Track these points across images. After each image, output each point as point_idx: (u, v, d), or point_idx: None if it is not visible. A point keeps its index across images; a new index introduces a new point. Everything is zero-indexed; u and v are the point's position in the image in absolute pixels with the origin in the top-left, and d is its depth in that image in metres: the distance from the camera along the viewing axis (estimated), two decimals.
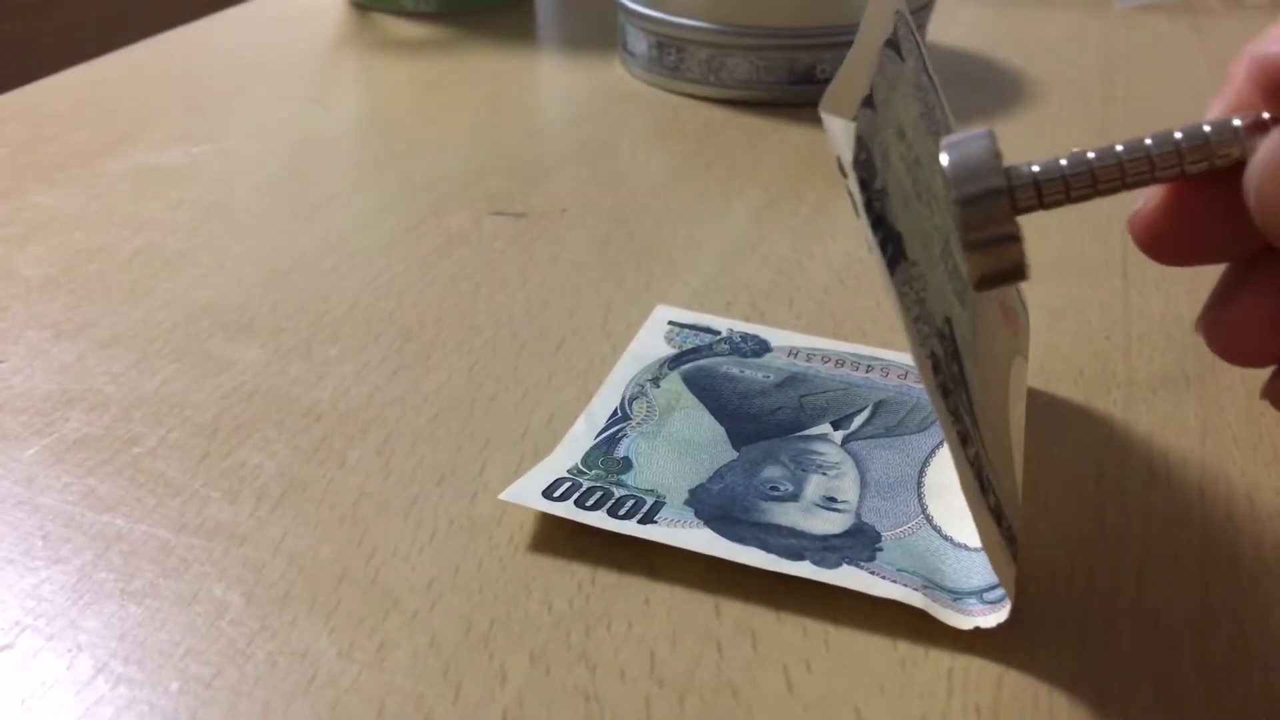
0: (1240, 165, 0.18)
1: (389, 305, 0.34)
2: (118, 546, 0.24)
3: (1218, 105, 0.20)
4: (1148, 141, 0.19)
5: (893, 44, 0.23)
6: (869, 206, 0.19)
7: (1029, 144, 0.45)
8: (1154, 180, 0.19)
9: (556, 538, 0.25)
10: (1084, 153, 0.19)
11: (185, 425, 0.28)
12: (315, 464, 0.27)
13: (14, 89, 0.51)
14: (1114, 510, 0.26)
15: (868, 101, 0.20)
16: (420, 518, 0.25)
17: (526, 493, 0.25)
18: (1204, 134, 0.18)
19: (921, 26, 0.52)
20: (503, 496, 0.25)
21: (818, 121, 0.47)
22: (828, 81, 0.48)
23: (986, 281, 0.20)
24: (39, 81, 0.52)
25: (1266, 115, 0.18)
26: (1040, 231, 0.38)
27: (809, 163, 0.44)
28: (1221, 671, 0.22)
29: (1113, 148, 0.19)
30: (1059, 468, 0.27)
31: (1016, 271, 0.19)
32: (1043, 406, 0.29)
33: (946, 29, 0.59)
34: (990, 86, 0.51)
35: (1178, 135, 0.19)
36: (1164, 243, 0.20)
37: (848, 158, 0.18)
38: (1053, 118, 0.48)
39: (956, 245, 0.24)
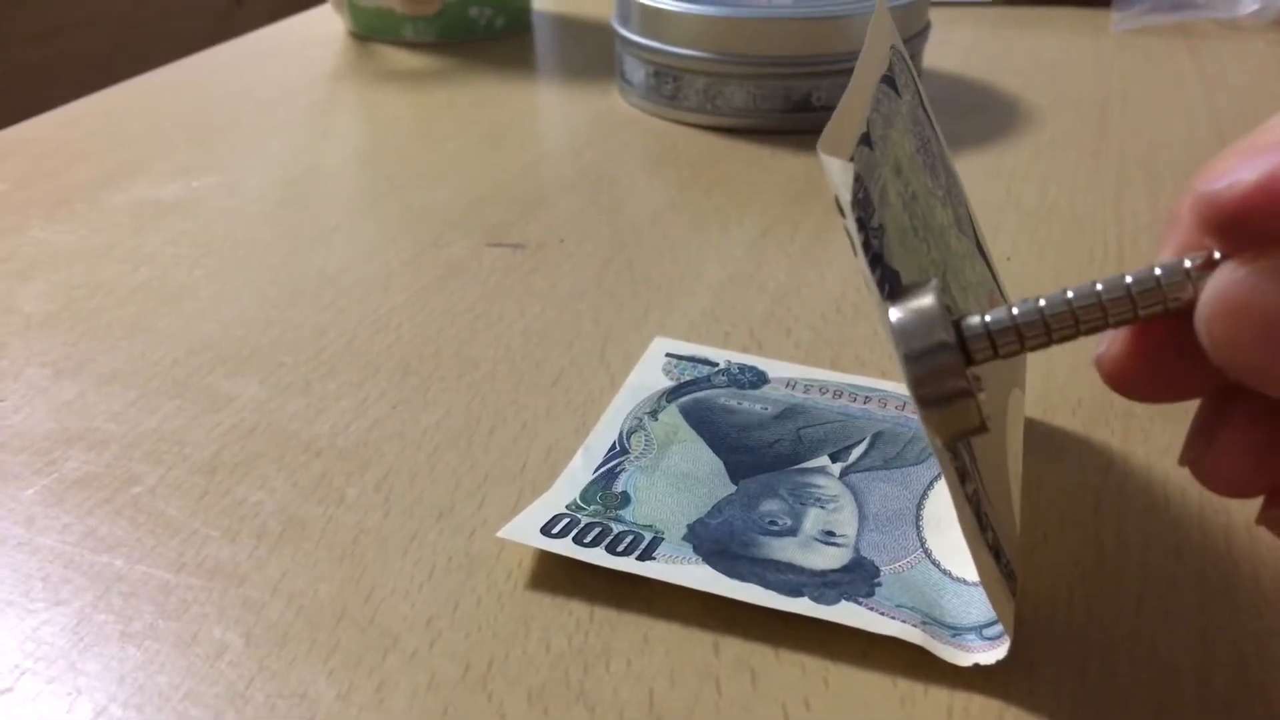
0: (1193, 306, 0.18)
1: (388, 338, 0.34)
2: (117, 588, 0.25)
3: (1169, 244, 0.19)
4: (1099, 287, 0.18)
5: (889, 80, 0.23)
6: (866, 245, 0.19)
7: (1028, 167, 0.45)
8: (1109, 325, 0.19)
9: (555, 574, 0.25)
10: (1035, 301, 0.19)
11: (185, 463, 0.28)
12: (314, 501, 0.27)
13: (11, 123, 0.51)
14: (1112, 540, 0.26)
15: (864, 139, 0.20)
16: (419, 555, 0.25)
17: (525, 530, 0.25)
18: (1155, 277, 0.18)
19: (918, 51, 0.52)
20: (501, 534, 0.25)
21: (814, 148, 0.47)
22: (824, 109, 0.48)
23: (946, 437, 0.19)
24: (38, 116, 0.52)
25: (1217, 255, 0.18)
26: (1036, 257, 0.38)
27: (805, 190, 0.44)
28: (1222, 702, 0.22)
29: (1064, 294, 0.19)
30: (1057, 498, 0.27)
31: (973, 426, 0.19)
32: (1040, 436, 0.29)
33: (942, 52, 0.59)
34: (987, 109, 0.52)
35: (1128, 280, 0.18)
36: (1132, 384, 0.20)
37: (846, 198, 0.18)
38: (1050, 140, 0.48)
39: (954, 278, 0.24)
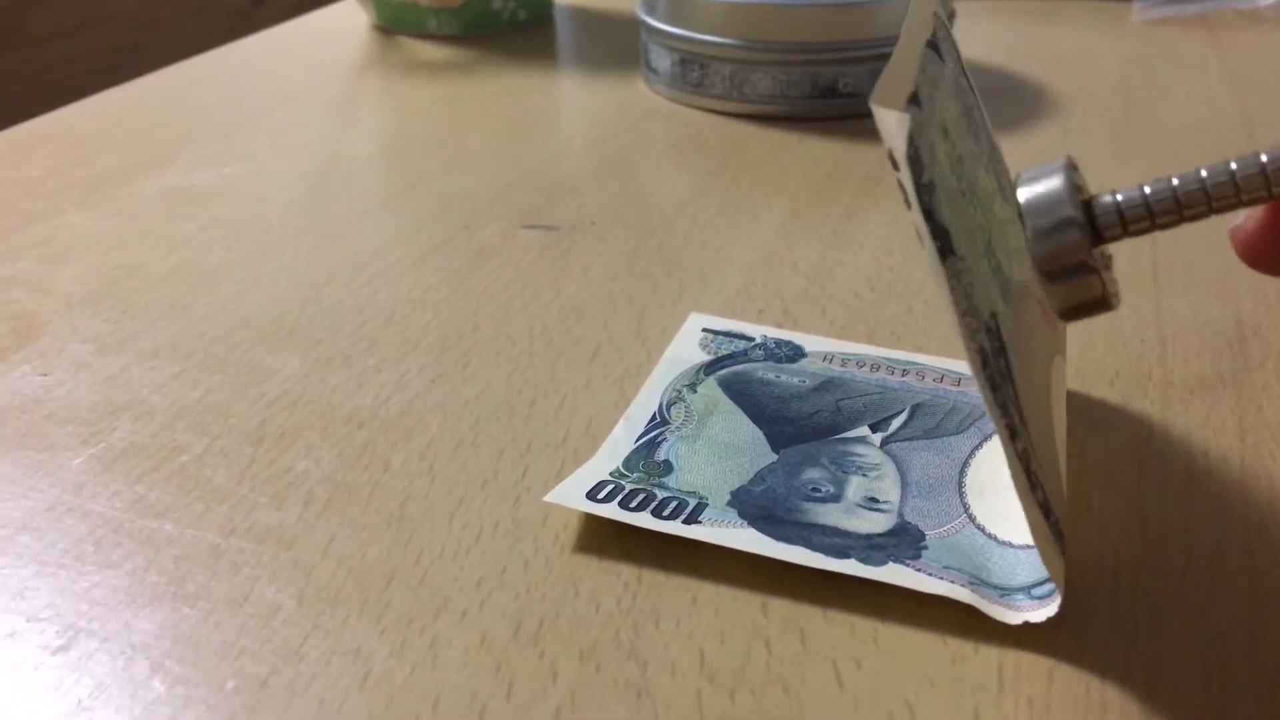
0: None
1: (425, 316, 0.34)
2: (168, 551, 0.25)
3: None
4: (1232, 166, 0.18)
5: (933, 45, 0.23)
6: (920, 199, 0.19)
7: (1054, 150, 0.45)
8: (1240, 204, 0.19)
9: (601, 539, 0.25)
10: (1168, 179, 0.19)
11: (230, 433, 0.29)
12: (360, 469, 0.27)
13: (34, 117, 0.52)
14: (1156, 507, 0.26)
15: (913, 99, 0.20)
16: (466, 520, 0.26)
17: (571, 495, 0.25)
18: None
19: None
20: (548, 499, 0.25)
21: (842, 134, 0.48)
22: (850, 95, 0.49)
23: (1069, 313, 0.19)
24: (69, 105, 0.53)
25: None
26: None
27: (834, 174, 0.44)
28: (1271, 661, 0.22)
29: (1197, 173, 0.19)
30: (1100, 467, 0.27)
31: (1099, 303, 0.19)
32: (1081, 408, 0.29)
33: (965, 43, 0.59)
34: (1011, 99, 0.52)
35: (1264, 158, 0.18)
36: (1266, 257, 0.20)
37: (901, 149, 0.18)
38: (1074, 129, 0.48)
39: (998, 243, 0.24)
